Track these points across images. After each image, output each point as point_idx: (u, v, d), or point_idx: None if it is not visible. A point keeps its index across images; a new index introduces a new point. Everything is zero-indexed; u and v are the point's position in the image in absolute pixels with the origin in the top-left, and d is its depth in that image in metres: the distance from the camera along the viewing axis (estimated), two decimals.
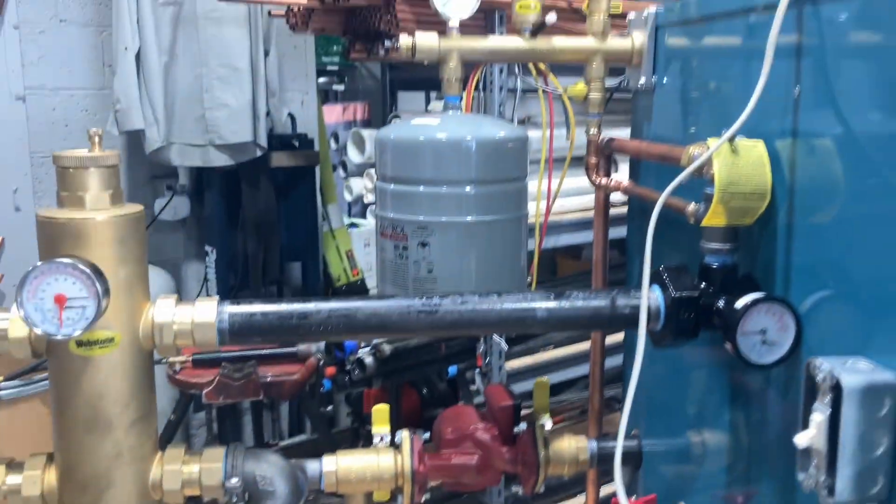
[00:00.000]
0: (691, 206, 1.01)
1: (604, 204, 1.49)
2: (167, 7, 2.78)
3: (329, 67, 3.92)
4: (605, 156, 1.43)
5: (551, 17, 1.27)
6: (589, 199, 2.06)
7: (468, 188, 1.26)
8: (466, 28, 1.30)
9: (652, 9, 1.30)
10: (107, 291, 0.91)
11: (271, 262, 3.07)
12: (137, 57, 2.75)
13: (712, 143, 0.96)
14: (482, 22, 2.14)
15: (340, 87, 4.19)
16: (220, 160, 2.85)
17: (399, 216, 1.29)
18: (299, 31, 2.55)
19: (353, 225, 3.67)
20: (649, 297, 1.03)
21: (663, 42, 1.31)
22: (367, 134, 3.78)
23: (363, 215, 3.97)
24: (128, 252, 0.97)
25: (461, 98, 1.32)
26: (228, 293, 3.02)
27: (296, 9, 2.53)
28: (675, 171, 1.01)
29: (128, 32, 2.73)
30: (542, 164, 2.11)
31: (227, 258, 3.05)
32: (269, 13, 2.79)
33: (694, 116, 1.23)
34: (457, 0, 1.27)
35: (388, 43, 1.39)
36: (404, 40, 1.26)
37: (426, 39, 1.27)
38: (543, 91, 2.25)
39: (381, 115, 4.03)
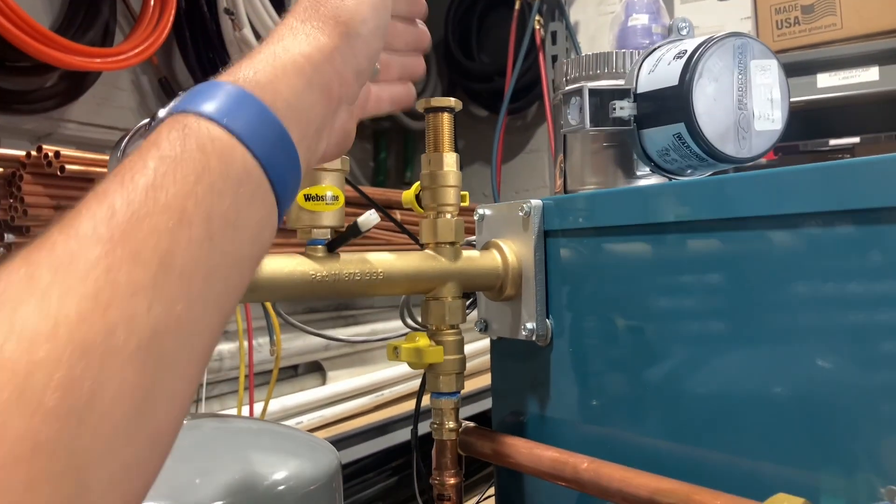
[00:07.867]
0: None
1: None
2: None
3: None
4: (460, 465, 0.76)
5: (370, 218, 0.63)
6: (308, 420, 1.67)
7: None
8: None
9: (535, 202, 0.73)
10: None
11: None
12: None
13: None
14: None
15: None
16: None
17: None
18: None
19: None
20: None
21: (557, 258, 0.73)
22: None
23: None
24: None
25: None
26: None
27: None
28: None
29: None
30: (242, 383, 1.48)
31: None
32: None
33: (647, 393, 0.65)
34: None
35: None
36: None
37: None
38: None
39: None
